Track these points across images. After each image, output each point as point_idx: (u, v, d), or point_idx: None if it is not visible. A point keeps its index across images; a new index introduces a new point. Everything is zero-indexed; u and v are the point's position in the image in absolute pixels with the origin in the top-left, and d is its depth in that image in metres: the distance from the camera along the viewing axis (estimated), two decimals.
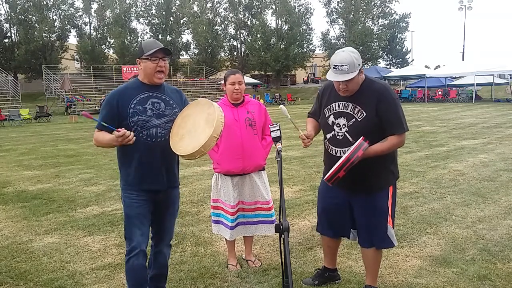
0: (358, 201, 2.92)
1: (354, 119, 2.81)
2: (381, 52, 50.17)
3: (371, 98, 2.77)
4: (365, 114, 2.78)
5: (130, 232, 2.67)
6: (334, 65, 2.73)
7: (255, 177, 3.51)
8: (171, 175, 2.80)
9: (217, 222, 3.64)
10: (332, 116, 2.91)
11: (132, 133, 2.53)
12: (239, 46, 50.09)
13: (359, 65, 2.73)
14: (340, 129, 2.86)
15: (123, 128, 2.51)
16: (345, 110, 2.85)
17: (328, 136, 2.95)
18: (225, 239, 3.68)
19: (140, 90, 2.70)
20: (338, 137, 2.87)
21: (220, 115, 2.54)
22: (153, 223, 2.87)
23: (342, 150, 2.83)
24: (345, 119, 2.84)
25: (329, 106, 2.94)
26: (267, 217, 3.55)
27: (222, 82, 3.58)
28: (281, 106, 2.95)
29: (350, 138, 2.79)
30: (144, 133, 2.64)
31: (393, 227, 2.97)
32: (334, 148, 2.89)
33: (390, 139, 2.75)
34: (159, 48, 2.63)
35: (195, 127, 2.59)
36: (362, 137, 2.69)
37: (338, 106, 2.89)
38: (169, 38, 46.18)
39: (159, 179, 2.72)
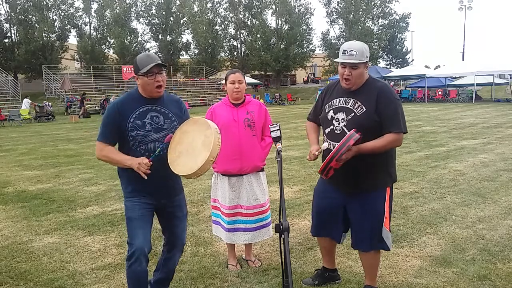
0: (353, 203, 2.90)
1: (353, 114, 2.81)
2: (381, 52, 50.17)
3: (372, 95, 2.79)
4: (364, 109, 2.78)
5: (132, 235, 2.65)
6: (343, 50, 2.78)
7: (253, 178, 3.50)
8: (172, 186, 2.79)
9: (216, 222, 3.64)
10: (332, 111, 2.92)
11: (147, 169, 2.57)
12: (239, 46, 50.12)
13: (367, 57, 2.78)
14: (339, 124, 2.86)
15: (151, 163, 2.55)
16: (346, 105, 2.86)
17: (327, 130, 2.95)
18: None
19: (140, 103, 2.69)
20: (336, 131, 2.87)
21: (217, 137, 2.56)
22: (164, 230, 2.88)
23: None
24: (344, 114, 2.85)
25: (330, 102, 2.95)
26: (264, 220, 3.54)
27: (223, 82, 3.58)
28: (325, 144, 2.92)
29: (347, 132, 2.78)
30: (142, 147, 2.64)
31: (390, 230, 2.95)
32: (331, 142, 2.89)
33: (386, 137, 2.74)
34: (154, 65, 2.61)
35: (193, 147, 2.60)
36: (354, 128, 2.68)
37: (339, 102, 2.90)
38: (169, 38, 46.20)
39: (159, 191, 2.72)
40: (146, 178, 2.55)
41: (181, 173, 2.59)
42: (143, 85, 2.66)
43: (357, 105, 2.81)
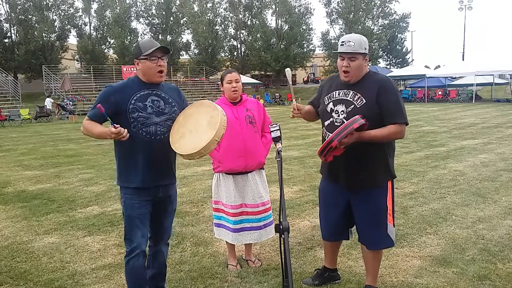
0: (356, 201, 2.91)
1: (353, 106, 2.81)
2: (381, 52, 50.16)
3: (372, 87, 2.79)
4: (364, 101, 2.78)
5: (130, 232, 2.66)
6: (341, 42, 2.80)
7: (257, 176, 3.50)
8: (169, 172, 2.81)
9: (218, 225, 3.62)
10: (331, 103, 2.92)
11: (126, 131, 2.51)
12: (239, 46, 50.11)
13: (365, 48, 2.79)
14: (338, 116, 2.86)
15: (118, 126, 2.49)
16: (345, 97, 2.86)
17: (326, 123, 2.95)
18: None
19: (140, 87, 2.70)
20: (336, 123, 2.86)
21: (223, 118, 2.55)
22: (152, 223, 2.86)
23: None
24: (344, 106, 2.85)
25: (329, 95, 2.95)
26: (268, 218, 3.55)
27: (219, 82, 3.58)
28: (287, 69, 2.99)
29: None
30: (144, 130, 2.64)
31: (394, 225, 2.96)
32: (330, 134, 2.88)
33: (389, 127, 2.74)
34: (157, 48, 2.62)
35: (197, 128, 2.59)
36: (359, 115, 2.68)
37: (339, 94, 2.90)
38: (169, 38, 46.17)
39: (158, 175, 2.72)
40: (125, 138, 2.50)
41: (184, 152, 2.56)
42: (144, 69, 2.66)
43: (357, 97, 2.81)
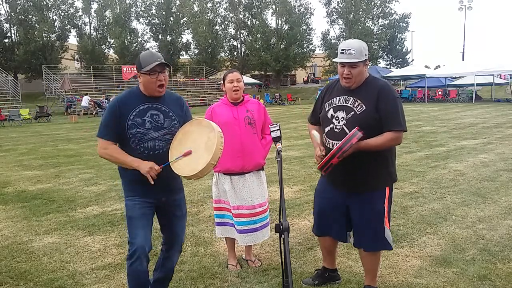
0: (354, 202, 2.90)
1: (353, 112, 2.81)
2: (381, 52, 50.19)
3: (372, 94, 2.78)
4: (364, 108, 2.78)
5: (133, 234, 2.64)
6: (341, 50, 2.78)
7: (254, 177, 3.49)
8: (171, 184, 2.79)
9: (222, 224, 3.60)
10: (331, 109, 2.91)
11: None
12: (239, 46, 50.14)
13: (365, 55, 2.78)
14: (339, 122, 2.86)
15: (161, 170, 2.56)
16: (345, 104, 2.85)
17: (326, 129, 2.94)
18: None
19: (140, 100, 2.69)
20: (336, 130, 2.86)
21: (220, 141, 2.55)
22: (163, 229, 2.89)
23: (338, 143, 2.81)
24: (344, 112, 2.84)
25: (330, 101, 2.95)
26: (265, 220, 3.53)
27: (221, 82, 3.58)
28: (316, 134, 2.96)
29: (347, 131, 2.78)
30: (141, 145, 2.64)
31: (389, 229, 2.95)
32: (331, 141, 2.88)
33: (386, 135, 2.74)
34: (157, 64, 2.61)
35: (195, 149, 2.60)
36: (357, 127, 2.68)
37: (339, 100, 2.90)
38: (169, 38, 46.20)
39: (159, 190, 2.71)
40: (152, 183, 2.54)
41: (181, 173, 2.59)
42: (144, 83, 2.66)
43: (357, 103, 2.81)
